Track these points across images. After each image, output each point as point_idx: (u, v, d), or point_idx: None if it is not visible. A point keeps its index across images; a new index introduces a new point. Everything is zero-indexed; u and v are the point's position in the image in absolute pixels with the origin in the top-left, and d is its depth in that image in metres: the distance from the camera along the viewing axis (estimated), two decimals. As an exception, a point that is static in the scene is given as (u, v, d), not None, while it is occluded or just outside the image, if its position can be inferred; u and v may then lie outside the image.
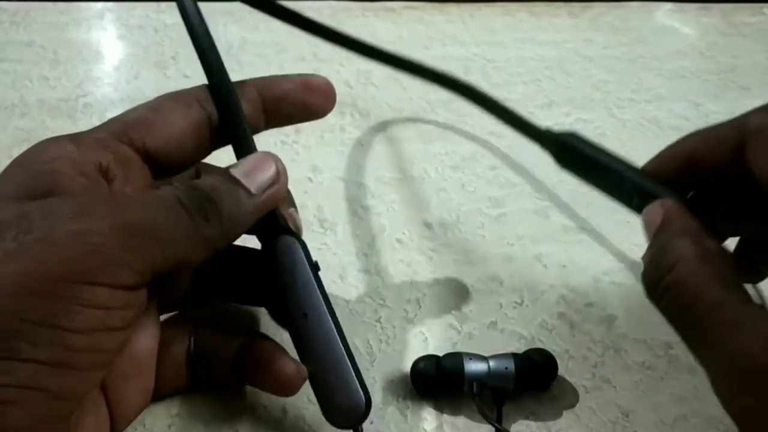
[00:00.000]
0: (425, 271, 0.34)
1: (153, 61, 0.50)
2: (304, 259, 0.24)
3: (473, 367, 0.27)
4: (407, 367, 0.29)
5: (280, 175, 0.24)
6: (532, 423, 0.27)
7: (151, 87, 0.47)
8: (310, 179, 0.40)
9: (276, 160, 0.24)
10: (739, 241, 0.27)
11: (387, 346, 0.30)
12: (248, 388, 0.28)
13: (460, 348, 0.30)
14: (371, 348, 0.30)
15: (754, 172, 0.22)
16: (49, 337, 0.18)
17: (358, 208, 0.38)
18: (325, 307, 0.24)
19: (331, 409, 0.24)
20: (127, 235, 0.20)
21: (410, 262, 0.35)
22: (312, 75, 0.27)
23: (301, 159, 0.41)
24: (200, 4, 0.27)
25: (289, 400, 0.28)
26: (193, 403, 0.27)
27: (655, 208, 0.23)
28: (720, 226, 0.25)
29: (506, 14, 0.59)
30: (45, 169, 0.22)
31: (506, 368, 0.27)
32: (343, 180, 0.40)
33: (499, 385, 0.27)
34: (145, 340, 0.25)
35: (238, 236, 0.23)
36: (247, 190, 0.23)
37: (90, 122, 0.44)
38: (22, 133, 0.42)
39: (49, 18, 0.55)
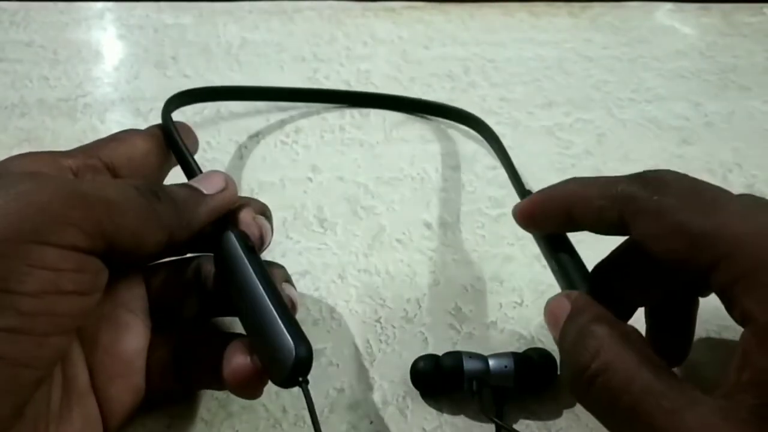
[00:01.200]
0: (425, 271, 0.34)
1: (153, 61, 0.50)
2: (236, 243, 0.25)
3: (472, 365, 0.27)
4: (407, 367, 0.28)
5: (229, 183, 0.26)
6: (531, 422, 0.27)
7: (151, 87, 0.47)
8: (309, 179, 0.40)
9: (224, 174, 0.27)
10: (649, 326, 0.27)
11: (387, 346, 0.30)
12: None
13: (460, 348, 0.30)
14: (371, 348, 0.30)
15: (639, 241, 0.22)
16: (0, 301, 0.18)
17: (357, 208, 0.38)
18: (255, 278, 0.24)
19: (271, 368, 0.23)
20: (74, 198, 0.21)
21: (410, 262, 0.35)
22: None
23: (301, 159, 0.41)
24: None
25: (288, 401, 0.28)
26: (193, 403, 0.27)
27: (560, 300, 0.24)
28: (626, 296, 0.25)
29: (506, 14, 0.59)
30: (14, 164, 0.24)
31: (506, 367, 0.27)
32: (343, 180, 0.40)
33: (499, 384, 0.27)
34: (133, 339, 0.25)
35: (193, 229, 0.24)
36: (201, 191, 0.25)
37: (90, 122, 0.44)
38: (22, 133, 0.42)
39: (49, 18, 0.55)
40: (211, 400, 0.28)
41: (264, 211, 0.28)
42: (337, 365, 0.29)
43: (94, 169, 0.26)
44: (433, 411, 0.28)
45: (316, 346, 0.27)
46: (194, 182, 0.26)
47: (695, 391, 0.19)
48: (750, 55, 0.54)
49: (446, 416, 0.28)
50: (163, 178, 0.29)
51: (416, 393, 0.28)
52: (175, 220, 0.23)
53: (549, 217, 0.26)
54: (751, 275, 0.19)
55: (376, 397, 0.28)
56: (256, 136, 0.42)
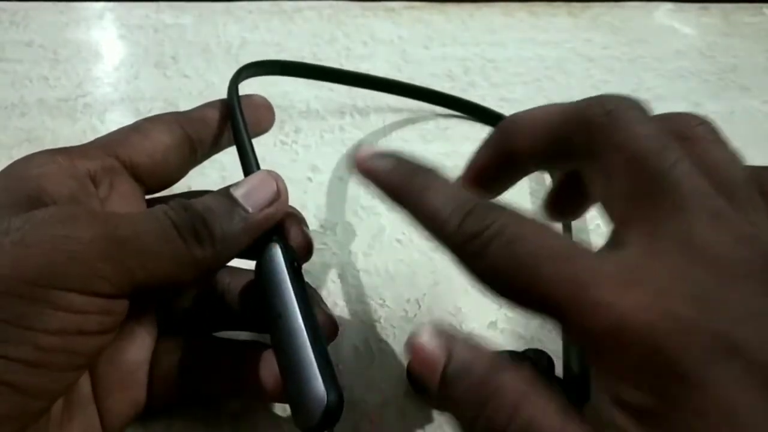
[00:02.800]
0: (425, 271, 0.34)
1: (153, 61, 0.50)
2: (282, 261, 0.23)
3: None
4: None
5: (281, 194, 0.24)
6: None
7: (151, 87, 0.47)
8: (309, 179, 0.40)
9: (277, 179, 0.24)
10: (558, 181, 0.25)
11: (386, 346, 0.30)
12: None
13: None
14: (371, 348, 0.30)
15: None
16: (19, 336, 0.18)
17: (357, 208, 0.38)
18: (296, 307, 0.22)
19: (296, 411, 0.22)
20: (109, 246, 0.20)
21: (410, 262, 0.35)
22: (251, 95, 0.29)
23: (301, 159, 0.41)
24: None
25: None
26: (193, 405, 0.27)
27: (432, 348, 0.18)
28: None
29: (506, 14, 0.59)
30: (33, 174, 0.22)
31: None
32: (343, 180, 0.40)
33: None
34: (137, 350, 0.24)
35: (232, 257, 0.23)
36: (245, 209, 0.23)
37: (90, 122, 0.44)
38: (22, 133, 0.42)
39: (48, 18, 0.55)
40: (212, 401, 0.28)
41: (303, 221, 0.27)
42: (337, 365, 0.29)
43: (112, 171, 0.25)
44: (433, 411, 0.28)
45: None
46: (239, 191, 0.23)
47: None
48: (750, 55, 0.54)
49: (446, 415, 0.28)
50: (184, 174, 0.28)
51: (417, 393, 0.28)
52: (213, 258, 0.22)
53: (496, 169, 0.24)
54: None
55: (376, 397, 0.28)
56: (255, 136, 0.42)
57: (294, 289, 0.23)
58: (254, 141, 0.27)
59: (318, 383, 0.21)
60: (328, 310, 0.26)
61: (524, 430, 0.17)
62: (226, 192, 0.23)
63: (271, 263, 0.23)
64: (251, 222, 0.23)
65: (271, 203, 0.23)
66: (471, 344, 0.19)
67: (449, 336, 0.19)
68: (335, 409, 0.21)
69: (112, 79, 0.48)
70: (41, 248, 0.19)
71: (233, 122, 0.27)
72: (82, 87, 0.47)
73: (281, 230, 0.25)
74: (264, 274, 0.23)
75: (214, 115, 0.28)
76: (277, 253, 0.23)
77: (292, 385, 0.22)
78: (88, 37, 0.53)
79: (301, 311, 0.22)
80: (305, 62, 0.43)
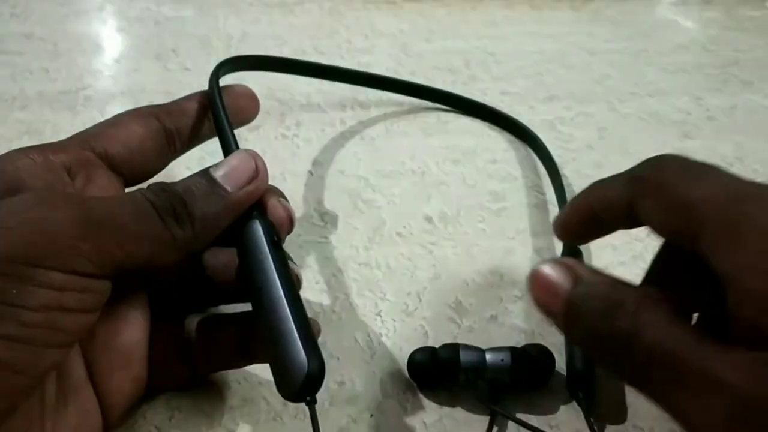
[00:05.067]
0: (425, 265, 0.34)
1: (153, 53, 0.50)
2: (262, 236, 0.24)
3: (469, 357, 0.27)
4: (407, 361, 0.29)
5: (259, 172, 0.24)
6: (532, 417, 0.27)
7: (152, 79, 0.47)
8: (310, 173, 0.40)
9: (256, 157, 0.25)
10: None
11: (387, 339, 0.30)
12: (248, 379, 0.28)
13: (460, 342, 0.30)
14: (371, 341, 0.30)
15: (650, 227, 0.22)
16: (2, 311, 0.19)
17: (358, 202, 0.38)
18: (277, 281, 0.23)
19: (279, 381, 0.22)
20: (86, 227, 0.20)
21: (410, 255, 0.35)
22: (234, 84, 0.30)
23: (302, 152, 0.41)
24: None
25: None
26: (194, 396, 0.27)
27: (555, 267, 0.21)
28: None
29: (507, 7, 0.59)
30: (9, 169, 0.23)
31: (502, 360, 0.27)
32: (344, 173, 0.40)
33: (495, 377, 0.27)
34: (132, 332, 0.25)
35: (214, 236, 0.23)
36: (224, 189, 0.23)
37: (90, 115, 0.44)
38: (23, 126, 0.42)
39: (48, 10, 0.55)
40: (212, 393, 0.28)
41: (281, 194, 0.27)
42: (338, 358, 0.29)
43: (88, 163, 0.25)
44: (433, 404, 0.28)
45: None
46: (219, 171, 0.24)
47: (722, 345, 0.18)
48: (752, 50, 0.54)
49: (446, 409, 0.28)
50: (164, 166, 0.28)
51: (416, 386, 0.28)
52: (194, 238, 0.22)
53: (581, 225, 0.25)
54: (722, 238, 0.19)
55: (377, 390, 0.28)
56: (256, 129, 0.42)
57: (274, 263, 0.23)
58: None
59: (299, 351, 0.21)
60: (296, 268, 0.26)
61: (639, 330, 0.18)
62: (205, 173, 0.24)
63: (251, 239, 0.24)
64: (231, 201, 0.23)
65: (250, 181, 0.24)
66: (593, 270, 0.21)
67: (571, 264, 0.21)
68: (316, 375, 0.21)
69: (112, 72, 0.48)
70: (20, 230, 0.20)
71: (212, 106, 0.27)
72: (83, 79, 0.47)
73: (261, 207, 0.25)
74: (244, 249, 0.24)
75: (193, 106, 0.28)
76: (258, 229, 0.24)
77: (274, 355, 0.22)
78: (88, 29, 0.53)
79: (281, 284, 0.23)
80: (286, 57, 0.42)
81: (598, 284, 0.21)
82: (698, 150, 0.42)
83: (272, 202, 0.25)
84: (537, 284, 0.21)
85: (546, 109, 0.46)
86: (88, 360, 0.23)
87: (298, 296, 0.23)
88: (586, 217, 0.24)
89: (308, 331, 0.22)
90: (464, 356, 0.27)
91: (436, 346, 0.28)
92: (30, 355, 0.19)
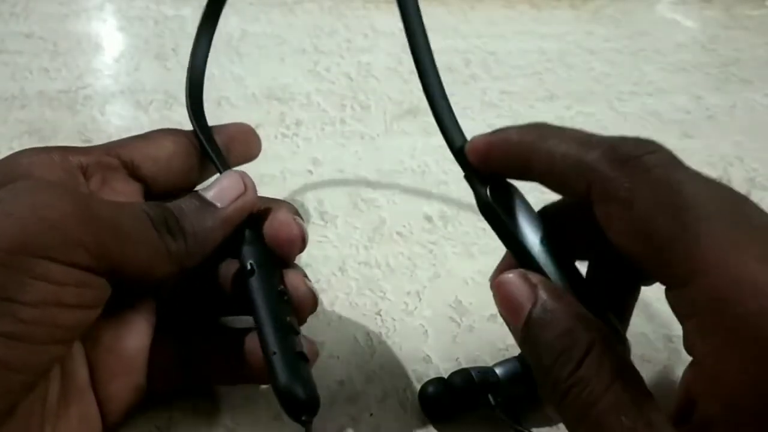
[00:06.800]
0: (425, 264, 0.34)
1: (153, 52, 0.50)
2: (250, 256, 0.24)
3: (484, 378, 0.26)
4: (407, 360, 0.29)
5: (247, 189, 0.25)
6: (552, 429, 0.27)
7: (152, 79, 0.47)
8: (310, 172, 0.40)
9: (243, 176, 0.26)
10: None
11: (387, 338, 0.30)
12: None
13: (460, 341, 0.30)
14: (371, 341, 0.30)
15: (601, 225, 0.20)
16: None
17: (358, 201, 0.38)
18: (265, 302, 0.23)
19: (276, 393, 0.23)
20: (88, 220, 0.20)
21: (410, 254, 0.35)
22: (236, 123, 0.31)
23: (302, 152, 0.41)
24: None
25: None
26: (194, 396, 0.27)
27: (518, 283, 0.20)
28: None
29: (507, 6, 0.59)
30: (23, 162, 0.23)
31: (514, 373, 0.27)
32: (344, 172, 0.40)
33: (511, 392, 0.26)
34: (136, 338, 0.25)
35: (207, 251, 0.24)
36: (214, 205, 0.24)
37: (90, 114, 0.44)
38: (23, 125, 0.42)
39: (48, 9, 0.55)
40: (212, 392, 0.28)
41: (293, 209, 0.27)
42: (338, 357, 0.29)
43: (108, 167, 0.25)
44: None
45: (316, 338, 0.28)
46: (208, 191, 0.25)
47: (655, 413, 0.18)
48: (752, 49, 0.54)
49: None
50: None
51: (416, 385, 0.28)
52: (186, 253, 0.23)
53: (504, 163, 0.23)
54: (710, 314, 0.17)
55: (377, 389, 0.28)
56: (256, 129, 0.42)
57: (260, 288, 0.24)
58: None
59: (284, 378, 0.22)
60: (311, 283, 0.26)
61: (579, 382, 0.18)
62: (195, 193, 0.25)
63: (242, 260, 0.24)
64: (220, 216, 0.24)
65: (238, 197, 0.25)
66: (556, 293, 0.20)
67: (536, 281, 0.20)
68: (300, 402, 0.22)
69: (112, 71, 0.48)
70: (21, 215, 0.20)
71: (197, 137, 0.28)
72: (83, 79, 0.47)
73: (258, 222, 0.25)
74: (237, 271, 0.25)
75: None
76: (247, 251, 0.25)
77: (269, 376, 0.23)
78: (88, 28, 0.53)
79: (268, 309, 0.23)
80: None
81: (557, 313, 0.20)
82: (698, 149, 0.42)
83: (286, 219, 0.26)
84: (500, 295, 0.21)
85: (546, 108, 0.46)
86: (91, 364, 0.23)
87: (284, 320, 0.23)
88: (516, 159, 0.22)
89: (293, 355, 0.22)
90: (479, 379, 0.26)
91: (439, 365, 0.28)
92: (28, 353, 0.19)
